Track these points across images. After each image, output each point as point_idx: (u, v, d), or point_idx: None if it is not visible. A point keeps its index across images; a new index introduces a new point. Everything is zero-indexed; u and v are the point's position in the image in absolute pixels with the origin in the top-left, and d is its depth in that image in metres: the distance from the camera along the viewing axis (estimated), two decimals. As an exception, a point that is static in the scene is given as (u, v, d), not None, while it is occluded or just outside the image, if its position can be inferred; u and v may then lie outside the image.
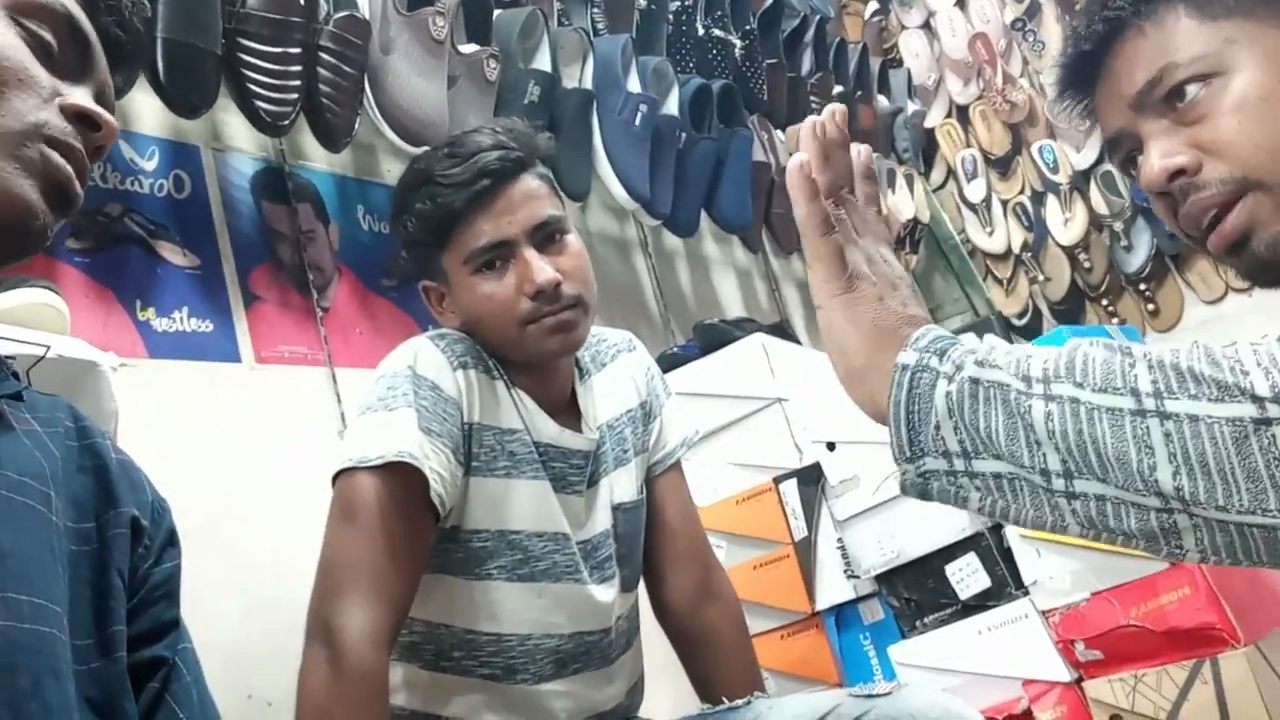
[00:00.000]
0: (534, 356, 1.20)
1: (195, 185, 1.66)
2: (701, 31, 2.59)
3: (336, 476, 1.11)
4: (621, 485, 1.30)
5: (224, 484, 1.47)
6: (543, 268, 1.16)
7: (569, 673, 1.22)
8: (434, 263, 1.22)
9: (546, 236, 1.19)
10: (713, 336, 2.21)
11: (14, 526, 0.63)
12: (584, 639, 1.23)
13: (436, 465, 1.09)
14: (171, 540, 0.75)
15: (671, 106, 2.34)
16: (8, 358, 0.74)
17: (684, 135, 2.34)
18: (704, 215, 2.48)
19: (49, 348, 1.00)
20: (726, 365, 2.09)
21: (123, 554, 0.70)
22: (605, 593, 1.24)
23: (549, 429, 1.22)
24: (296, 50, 1.59)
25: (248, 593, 1.41)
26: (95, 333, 1.42)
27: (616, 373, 1.35)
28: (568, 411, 1.27)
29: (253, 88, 1.55)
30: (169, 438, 1.41)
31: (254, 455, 1.53)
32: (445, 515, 1.13)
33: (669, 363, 2.20)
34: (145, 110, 1.59)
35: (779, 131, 2.81)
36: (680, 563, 1.36)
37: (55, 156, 0.65)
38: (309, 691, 1.02)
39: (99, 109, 0.68)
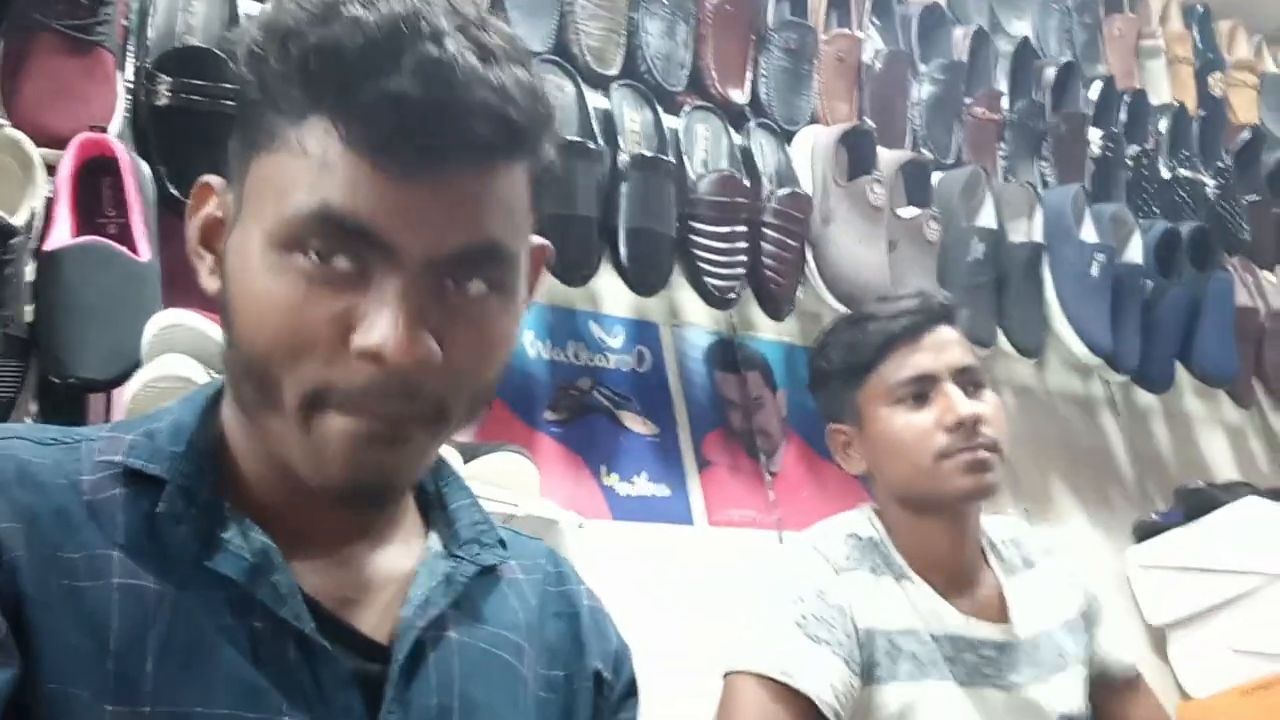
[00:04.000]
0: (945, 495, 1.16)
1: (655, 359, 1.79)
2: (1167, 174, 2.42)
3: (725, 674, 1.11)
4: (1064, 694, 1.18)
5: (676, 643, 1.51)
6: (966, 401, 1.15)
7: None
8: (846, 400, 1.23)
9: (967, 381, 1.18)
10: (1198, 502, 1.99)
11: (487, 680, 0.64)
12: None
13: (824, 676, 1.05)
14: (630, 690, 0.75)
15: (1134, 254, 2.19)
16: None
17: (1150, 283, 2.18)
18: (1181, 368, 2.26)
19: (517, 505, 1.11)
20: (1216, 534, 1.86)
21: (585, 709, 0.70)
22: None
23: (951, 618, 1.15)
24: (743, 228, 1.69)
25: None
26: (566, 495, 1.55)
27: (1050, 574, 1.26)
28: (978, 598, 1.19)
29: (703, 265, 1.66)
30: (626, 595, 1.49)
31: (705, 615, 1.57)
32: None
33: (1146, 531, 2.01)
34: (611, 292, 1.75)
35: (1266, 273, 2.52)
36: None
37: (341, 434, 0.54)
38: None
39: (378, 344, 0.52)
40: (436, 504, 0.69)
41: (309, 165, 0.53)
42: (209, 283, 0.60)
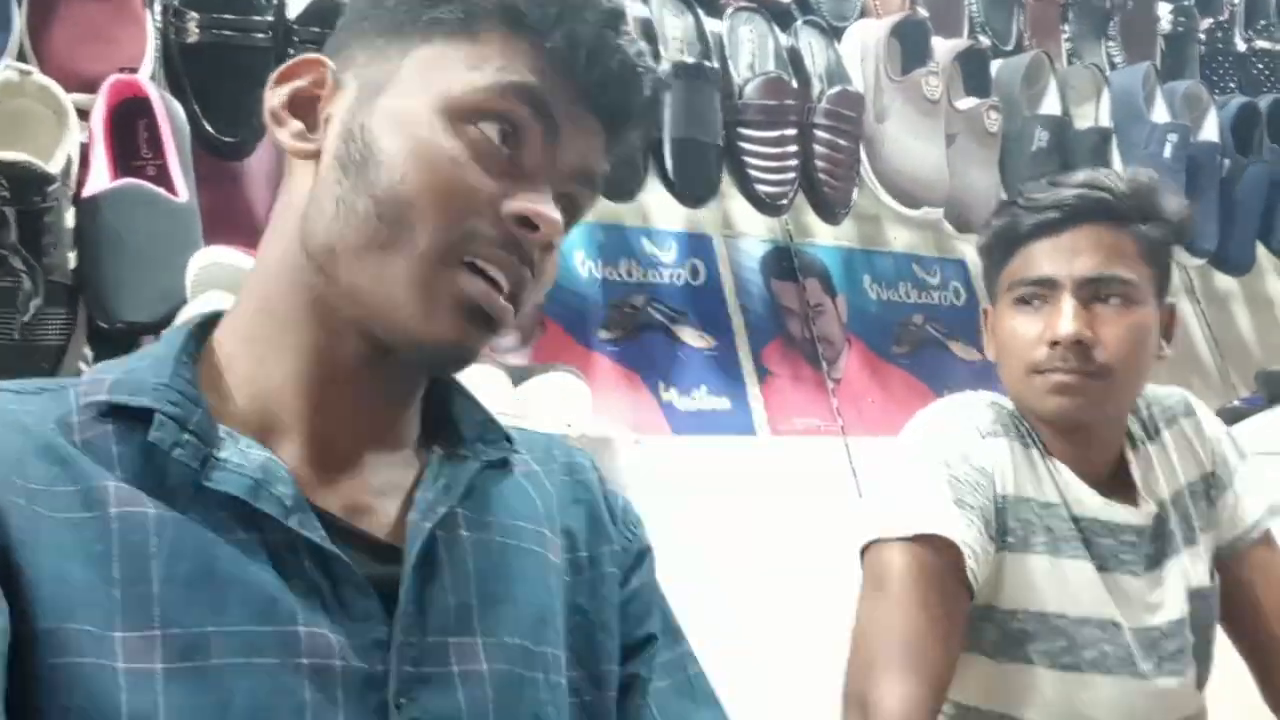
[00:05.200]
0: (1032, 410, 1.10)
1: (709, 271, 1.76)
2: (1243, 46, 2.31)
3: (865, 549, 1.06)
4: (1195, 568, 1.14)
5: (740, 554, 1.51)
6: (1070, 320, 1.05)
7: None
8: (993, 284, 1.16)
9: (1098, 294, 1.07)
10: (1281, 386, 1.91)
11: (508, 573, 0.65)
12: None
13: (970, 539, 1.02)
14: (640, 560, 0.75)
15: (1209, 132, 2.09)
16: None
17: (1227, 162, 2.08)
18: (1261, 249, 2.17)
19: (570, 425, 1.10)
20: (1302, 418, 1.79)
21: (613, 590, 0.71)
22: (1170, 691, 1.09)
23: (1091, 502, 1.10)
24: (792, 131, 1.64)
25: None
26: (625, 413, 1.54)
27: (1174, 440, 1.18)
28: (1115, 483, 1.13)
29: (753, 173, 1.62)
30: (690, 509, 1.48)
31: (769, 524, 1.56)
32: (978, 592, 1.05)
33: (1230, 418, 1.93)
34: (661, 206, 1.72)
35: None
36: None
37: (470, 283, 0.59)
38: None
39: (538, 208, 0.59)
40: (440, 414, 0.69)
41: (495, 52, 0.59)
42: (291, 141, 0.63)
